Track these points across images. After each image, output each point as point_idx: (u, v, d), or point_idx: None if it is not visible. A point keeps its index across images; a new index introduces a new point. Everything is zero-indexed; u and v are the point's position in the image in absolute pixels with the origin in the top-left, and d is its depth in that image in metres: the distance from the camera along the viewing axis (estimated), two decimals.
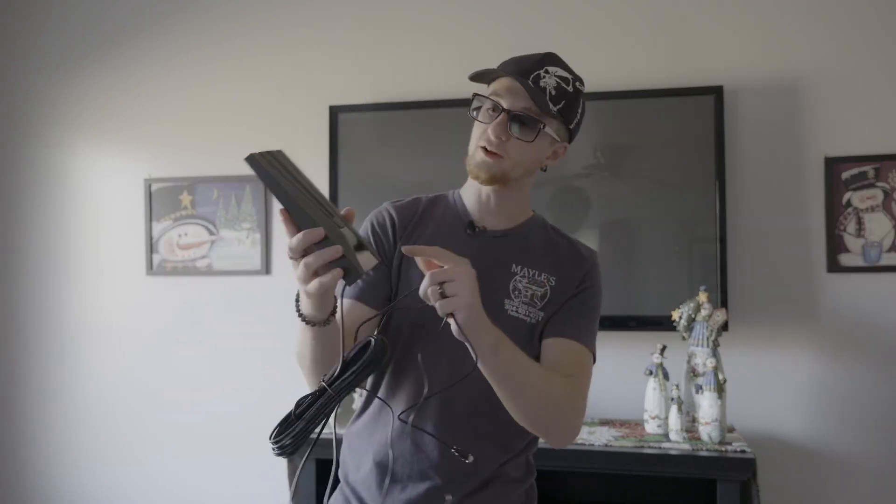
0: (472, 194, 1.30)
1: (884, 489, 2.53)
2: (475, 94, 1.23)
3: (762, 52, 2.65)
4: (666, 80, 2.67)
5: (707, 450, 2.22)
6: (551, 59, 1.22)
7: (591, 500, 2.57)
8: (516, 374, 1.09)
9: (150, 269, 3.10)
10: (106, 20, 3.19)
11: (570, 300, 1.28)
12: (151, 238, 3.10)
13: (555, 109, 1.19)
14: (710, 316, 2.37)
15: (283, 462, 2.62)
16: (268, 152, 0.94)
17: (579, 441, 2.31)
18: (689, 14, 2.71)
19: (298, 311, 1.05)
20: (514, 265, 1.26)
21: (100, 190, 3.18)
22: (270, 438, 0.97)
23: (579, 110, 1.25)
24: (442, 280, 0.97)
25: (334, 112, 2.85)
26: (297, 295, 1.04)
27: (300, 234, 0.93)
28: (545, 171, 1.29)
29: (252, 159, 0.92)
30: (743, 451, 2.19)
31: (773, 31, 2.65)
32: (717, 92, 2.58)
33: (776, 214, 2.62)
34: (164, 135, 3.13)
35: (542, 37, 2.82)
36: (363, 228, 1.32)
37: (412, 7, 2.92)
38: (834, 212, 2.57)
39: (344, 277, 0.94)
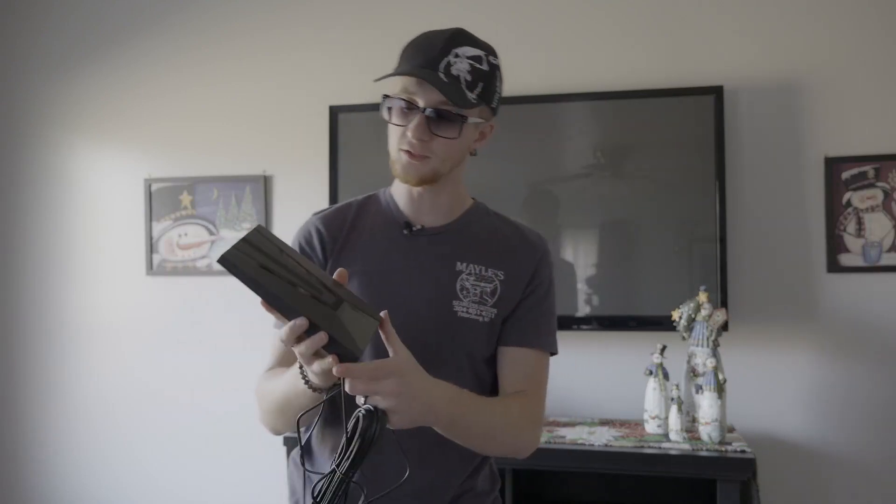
0: (403, 193, 1.22)
1: (884, 489, 2.52)
2: (385, 96, 1.13)
3: (762, 52, 2.65)
4: (666, 80, 2.67)
5: (707, 450, 2.22)
6: (458, 38, 1.12)
7: (591, 500, 2.57)
8: (471, 428, 1.08)
9: (150, 269, 3.10)
10: (106, 20, 3.19)
11: (526, 300, 1.21)
12: (151, 238, 3.10)
13: (473, 97, 1.09)
14: (710, 316, 2.37)
15: (282, 461, 2.62)
16: (243, 241, 0.91)
17: (579, 441, 2.31)
18: (689, 14, 2.71)
19: (305, 379, 1.00)
20: (458, 263, 1.19)
21: (100, 190, 3.18)
22: None
23: (497, 84, 1.16)
24: (364, 393, 0.92)
25: (334, 112, 2.85)
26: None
27: (285, 329, 0.89)
28: (475, 154, 1.21)
29: (224, 261, 0.88)
30: (743, 451, 2.19)
31: (773, 31, 2.65)
32: (717, 92, 2.58)
33: (776, 214, 2.62)
34: (164, 135, 3.13)
35: (543, 37, 2.82)
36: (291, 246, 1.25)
37: (412, 7, 2.92)
38: (834, 212, 2.57)
39: (340, 360, 0.90)
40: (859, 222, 2.56)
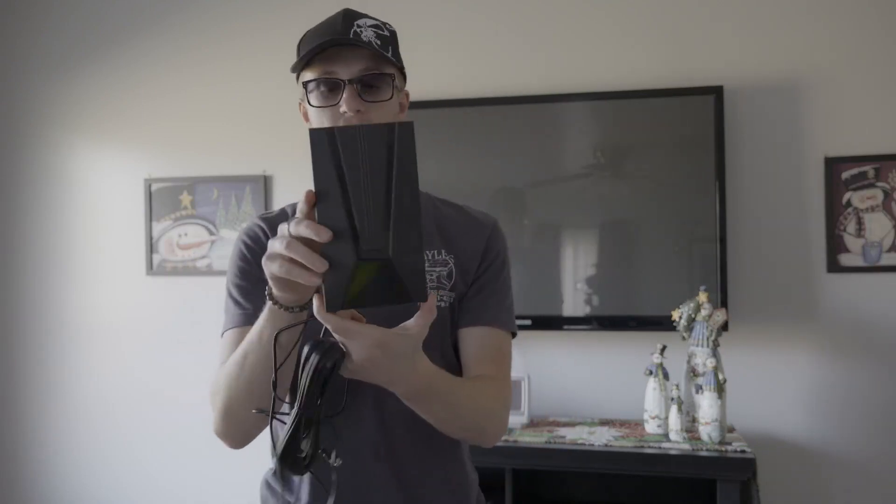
0: None
1: (884, 489, 2.53)
2: (305, 83, 1.10)
3: (762, 52, 2.65)
4: (666, 80, 2.67)
5: (707, 450, 2.22)
6: (352, 14, 1.10)
7: (591, 500, 2.57)
8: (440, 403, 1.02)
9: (150, 269, 3.10)
10: (106, 20, 3.19)
11: (479, 279, 1.18)
12: (151, 238, 3.10)
13: (391, 57, 1.08)
14: (710, 316, 2.37)
15: None
16: (362, 128, 0.78)
17: (579, 441, 2.31)
18: (689, 14, 2.71)
19: (269, 291, 0.90)
20: None
21: (100, 190, 3.18)
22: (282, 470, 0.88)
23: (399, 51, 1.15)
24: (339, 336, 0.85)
25: None
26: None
27: (310, 224, 0.79)
28: None
29: (312, 132, 0.77)
30: (743, 451, 2.19)
31: (773, 31, 2.65)
32: (717, 92, 2.58)
33: (776, 214, 2.62)
34: (164, 135, 3.13)
35: (543, 36, 2.82)
36: (235, 250, 1.19)
37: (412, 7, 2.91)
38: (834, 212, 2.57)
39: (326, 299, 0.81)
40: (859, 222, 2.56)
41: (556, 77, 2.78)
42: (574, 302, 2.68)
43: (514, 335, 1.22)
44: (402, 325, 0.88)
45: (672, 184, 2.64)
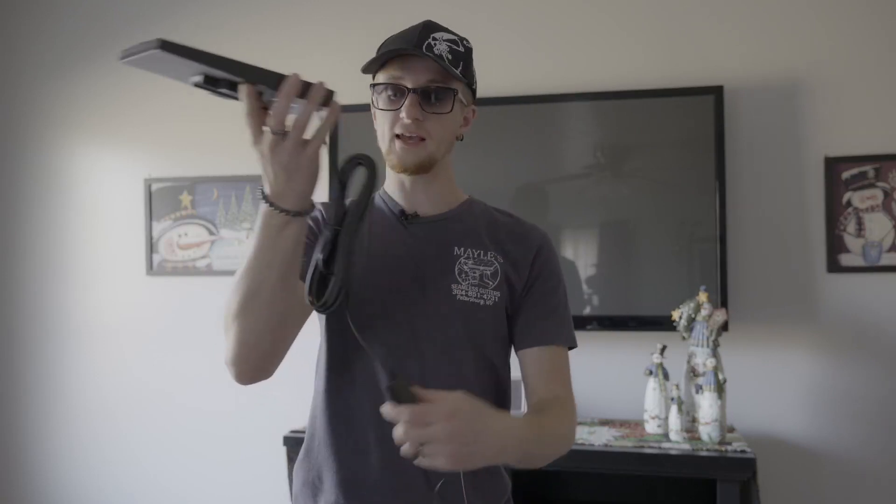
0: (395, 188, 1.23)
1: (884, 489, 2.52)
2: (373, 85, 1.16)
3: (762, 52, 2.65)
4: (666, 80, 2.67)
5: (707, 450, 2.22)
6: (432, 26, 1.15)
7: (591, 500, 2.57)
8: (534, 455, 1.07)
9: (150, 269, 3.10)
10: (106, 20, 3.19)
11: (532, 293, 1.20)
12: (151, 238, 3.10)
13: (458, 73, 1.12)
14: (710, 316, 2.37)
15: (282, 462, 2.62)
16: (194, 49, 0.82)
17: (579, 441, 2.31)
18: (689, 14, 2.71)
19: (264, 195, 0.95)
20: (456, 248, 1.19)
21: (100, 190, 3.18)
22: (313, 303, 0.93)
23: (473, 68, 1.20)
24: (418, 440, 0.87)
25: None
26: (263, 183, 0.96)
27: (289, 84, 0.92)
28: (462, 140, 1.23)
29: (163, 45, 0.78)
30: (743, 451, 2.19)
31: (773, 31, 2.65)
32: (717, 92, 2.58)
33: (776, 214, 2.62)
34: (164, 135, 3.13)
35: (543, 37, 2.82)
36: None
37: (412, 7, 2.91)
38: (834, 212, 2.57)
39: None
40: (859, 222, 2.56)
41: (557, 77, 2.78)
42: (574, 302, 2.68)
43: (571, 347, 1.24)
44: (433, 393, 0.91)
45: (672, 184, 2.64)
